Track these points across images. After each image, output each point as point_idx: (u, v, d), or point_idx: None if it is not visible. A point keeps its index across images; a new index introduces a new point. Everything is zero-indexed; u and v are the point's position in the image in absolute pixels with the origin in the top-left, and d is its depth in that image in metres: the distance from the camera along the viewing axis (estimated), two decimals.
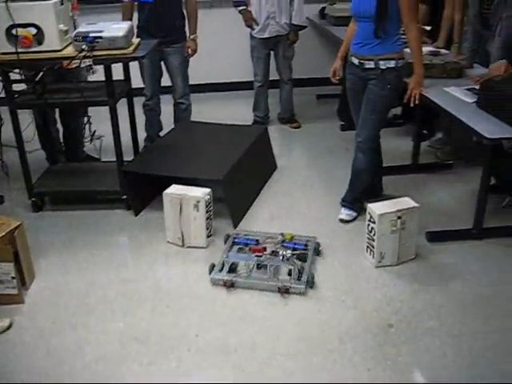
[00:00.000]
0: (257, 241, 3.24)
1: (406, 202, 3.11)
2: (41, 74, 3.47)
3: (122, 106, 3.77)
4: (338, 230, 3.50)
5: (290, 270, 2.99)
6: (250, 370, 2.42)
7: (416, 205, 3.08)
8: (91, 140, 4.00)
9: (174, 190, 3.30)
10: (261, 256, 3.07)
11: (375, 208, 3.05)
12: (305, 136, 5.07)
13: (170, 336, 2.63)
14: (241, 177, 3.71)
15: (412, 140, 4.40)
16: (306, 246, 3.21)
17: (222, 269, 3.03)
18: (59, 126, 4.46)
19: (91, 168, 4.24)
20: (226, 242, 3.29)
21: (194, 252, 3.33)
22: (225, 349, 2.55)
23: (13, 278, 2.83)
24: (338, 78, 3.60)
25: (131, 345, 2.58)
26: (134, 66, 4.01)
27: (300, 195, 3.98)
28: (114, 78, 3.57)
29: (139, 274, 3.14)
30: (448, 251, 3.25)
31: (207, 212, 3.27)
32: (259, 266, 3.03)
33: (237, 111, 5.53)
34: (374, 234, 3.06)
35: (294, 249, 3.16)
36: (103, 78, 3.50)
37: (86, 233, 3.57)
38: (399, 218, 3.02)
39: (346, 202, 3.64)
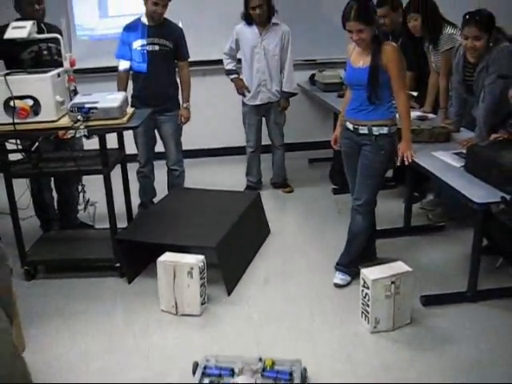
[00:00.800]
0: (231, 370, 2.68)
1: (400, 267, 3.12)
2: (36, 143, 3.55)
3: (115, 171, 3.81)
4: (332, 295, 3.49)
5: None
6: None
7: (409, 269, 3.09)
8: (85, 208, 4.03)
9: (168, 257, 3.30)
10: None
11: (368, 273, 3.05)
12: (297, 200, 5.11)
13: None
14: (234, 243, 3.72)
15: (403, 202, 4.44)
16: (290, 374, 2.66)
17: None
18: (54, 193, 4.49)
19: (85, 235, 4.24)
20: (194, 372, 2.72)
21: (188, 320, 3.29)
22: None
23: None
24: (339, 145, 3.67)
25: None
26: (128, 133, 4.07)
27: (293, 259, 3.98)
28: (109, 145, 3.63)
29: (132, 342, 3.10)
30: (443, 315, 3.24)
31: (201, 279, 3.25)
32: None
33: (230, 176, 5.59)
34: (368, 300, 3.05)
35: (277, 378, 2.65)
36: (98, 146, 3.56)
37: (79, 301, 3.54)
38: (393, 282, 3.02)
39: (341, 266, 3.63)
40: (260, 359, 2.73)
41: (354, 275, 3.54)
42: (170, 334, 3.19)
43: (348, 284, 3.56)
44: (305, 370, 2.71)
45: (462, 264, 3.67)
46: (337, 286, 3.56)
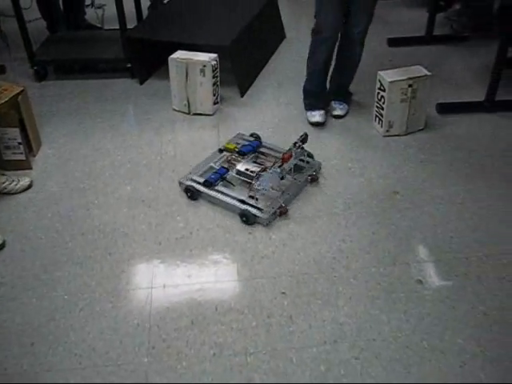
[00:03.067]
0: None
1: (418, 70, 3.02)
2: None
3: None
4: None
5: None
6: (256, 233, 2.47)
7: (428, 73, 2.99)
8: (92, 5, 3.83)
9: (180, 54, 3.20)
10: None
11: (386, 75, 2.96)
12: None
13: (177, 199, 2.66)
14: (248, 44, 3.59)
15: (427, 11, 4.20)
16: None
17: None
18: None
19: (94, 36, 4.11)
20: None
21: (201, 119, 3.30)
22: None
23: (19, 143, 2.83)
24: None
25: (139, 208, 2.63)
26: None
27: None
28: None
29: (146, 140, 3.13)
30: (457, 123, 3.21)
31: (214, 77, 3.18)
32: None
33: None
34: (383, 103, 3.00)
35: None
36: None
37: (91, 101, 3.53)
38: (410, 86, 2.94)
39: (340, 96, 3.34)
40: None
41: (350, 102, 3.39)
42: (182, 132, 3.22)
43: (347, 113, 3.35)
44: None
45: (482, 75, 3.55)
46: (338, 117, 3.30)
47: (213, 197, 2.61)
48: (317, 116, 3.21)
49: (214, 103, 3.28)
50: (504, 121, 3.23)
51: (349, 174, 2.82)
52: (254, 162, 2.77)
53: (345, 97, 3.37)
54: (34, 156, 3.00)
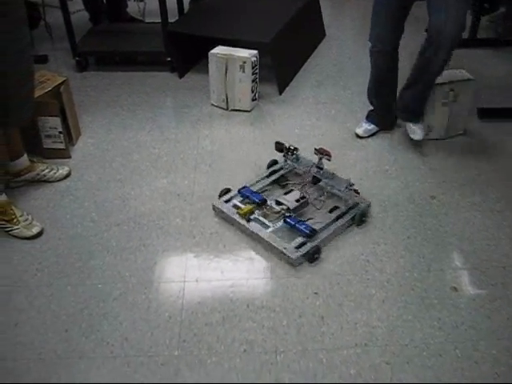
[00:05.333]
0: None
1: (461, 74, 2.97)
2: None
3: None
4: None
5: None
6: None
7: (471, 77, 2.94)
8: None
9: (220, 50, 3.21)
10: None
11: None
12: (356, 5, 4.81)
13: (212, 194, 2.67)
14: (289, 41, 3.59)
15: (471, 14, 4.13)
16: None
17: None
18: None
19: (135, 29, 4.15)
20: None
21: (238, 115, 3.31)
22: None
23: (60, 132, 2.88)
24: None
25: (174, 201, 2.64)
26: None
27: (348, 65, 3.85)
28: None
29: (183, 134, 3.15)
30: (499, 129, 3.15)
31: (253, 74, 3.19)
32: None
33: None
34: None
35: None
36: None
37: (130, 93, 3.57)
38: (452, 90, 2.89)
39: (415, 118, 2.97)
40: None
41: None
42: (219, 127, 3.22)
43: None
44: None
45: None
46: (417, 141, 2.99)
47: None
48: (361, 129, 3.09)
49: (252, 100, 3.28)
50: None
51: (385, 177, 2.79)
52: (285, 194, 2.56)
53: (420, 117, 2.97)
54: (73, 145, 3.05)
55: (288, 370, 1.87)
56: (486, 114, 3.23)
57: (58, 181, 2.78)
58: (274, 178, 2.71)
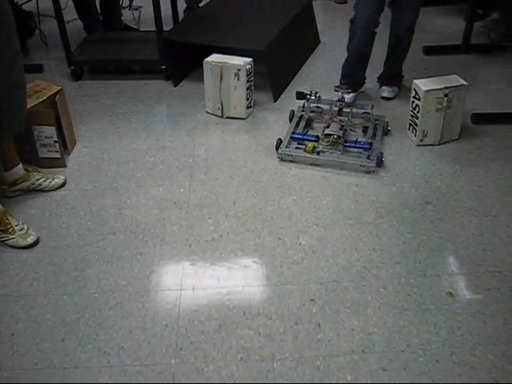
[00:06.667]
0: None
1: (454, 80, 2.98)
2: None
3: None
4: (380, 106, 3.41)
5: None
6: (286, 238, 2.47)
7: (464, 83, 2.95)
8: (130, 6, 3.88)
9: (215, 58, 3.22)
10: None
11: (421, 84, 2.93)
12: (350, 12, 4.80)
13: (208, 202, 2.68)
14: (283, 49, 3.60)
15: (464, 19, 4.15)
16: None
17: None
18: None
19: (130, 37, 4.16)
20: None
21: (234, 123, 3.31)
22: (262, 215, 2.60)
23: (55, 141, 2.88)
24: None
25: (170, 209, 2.64)
26: None
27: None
28: None
29: (178, 142, 3.16)
30: (493, 134, 3.16)
31: (248, 82, 3.19)
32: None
33: None
34: (417, 112, 2.97)
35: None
36: None
37: (125, 102, 3.57)
38: (446, 95, 2.91)
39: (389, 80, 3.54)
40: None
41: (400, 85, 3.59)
42: (215, 135, 3.23)
43: (396, 95, 3.51)
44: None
45: None
46: (385, 99, 3.50)
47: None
48: (346, 97, 3.40)
49: (248, 107, 3.29)
50: None
51: (381, 183, 2.80)
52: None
53: (394, 80, 3.56)
54: (69, 154, 3.05)
55: (285, 378, 1.87)
56: (480, 119, 3.25)
57: (54, 190, 2.78)
58: (304, 122, 3.23)
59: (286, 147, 2.98)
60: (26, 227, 2.47)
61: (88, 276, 2.28)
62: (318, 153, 2.94)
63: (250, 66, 3.17)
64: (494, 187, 2.75)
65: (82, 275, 2.29)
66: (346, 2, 4.96)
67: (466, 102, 3.02)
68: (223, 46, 3.39)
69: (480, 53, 4.08)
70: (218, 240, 2.46)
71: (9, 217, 2.46)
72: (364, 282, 2.23)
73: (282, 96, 3.56)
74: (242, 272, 2.30)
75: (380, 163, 2.89)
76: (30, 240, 2.44)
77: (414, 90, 2.97)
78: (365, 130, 3.16)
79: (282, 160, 2.95)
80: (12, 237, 2.43)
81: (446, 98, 2.91)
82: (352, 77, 3.46)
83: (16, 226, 2.45)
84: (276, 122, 3.31)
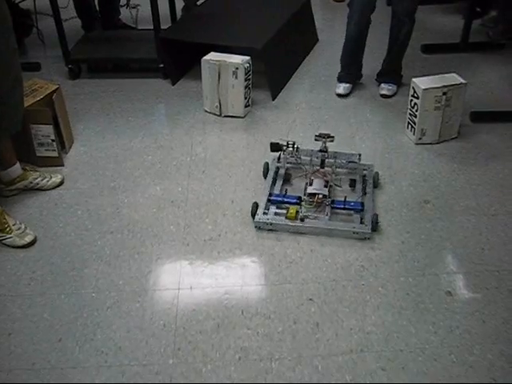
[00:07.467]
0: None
1: (453, 78, 2.98)
2: None
3: None
4: (379, 105, 3.42)
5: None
6: (284, 237, 2.46)
7: (463, 81, 2.95)
8: (127, 5, 3.87)
9: (213, 56, 3.21)
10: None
11: (419, 83, 2.92)
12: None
13: (206, 201, 2.67)
14: (281, 47, 3.60)
15: (463, 17, 4.15)
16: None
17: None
18: None
19: (128, 36, 4.15)
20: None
21: (232, 121, 3.31)
22: None
23: (52, 140, 2.86)
24: None
25: (168, 208, 2.63)
26: None
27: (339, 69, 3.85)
28: None
29: (176, 140, 3.15)
30: (492, 132, 3.16)
31: (246, 80, 3.19)
32: None
33: None
34: (416, 110, 2.96)
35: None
36: None
37: (123, 100, 3.56)
38: (444, 94, 2.90)
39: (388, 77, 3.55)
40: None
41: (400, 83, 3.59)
42: (213, 133, 3.22)
43: (395, 94, 3.51)
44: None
45: None
46: (385, 96, 3.50)
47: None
48: (341, 88, 3.52)
49: (246, 106, 3.28)
50: None
51: (379, 182, 2.79)
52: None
53: (393, 78, 3.57)
54: (66, 153, 3.04)
55: (283, 378, 1.86)
56: (478, 117, 3.24)
57: (51, 189, 2.77)
58: (281, 178, 2.79)
59: (264, 214, 2.53)
60: (23, 226, 2.46)
61: (85, 275, 2.27)
62: (301, 219, 2.49)
63: (248, 65, 3.16)
64: (493, 186, 2.75)
65: (79, 275, 2.28)
66: (343, 0, 4.95)
67: (465, 101, 3.02)
68: (221, 44, 3.38)
69: (479, 51, 4.07)
70: (215, 239, 2.45)
71: (6, 216, 2.45)
72: (362, 282, 2.22)
73: (280, 94, 3.55)
74: (240, 271, 2.29)
75: (375, 227, 2.47)
76: (28, 239, 2.43)
77: (413, 88, 2.96)
78: (352, 183, 2.73)
79: (260, 229, 2.51)
80: (9, 236, 2.42)
81: (444, 97, 2.90)
82: (349, 66, 3.52)
83: (13, 225, 2.43)
84: (274, 120, 3.30)
